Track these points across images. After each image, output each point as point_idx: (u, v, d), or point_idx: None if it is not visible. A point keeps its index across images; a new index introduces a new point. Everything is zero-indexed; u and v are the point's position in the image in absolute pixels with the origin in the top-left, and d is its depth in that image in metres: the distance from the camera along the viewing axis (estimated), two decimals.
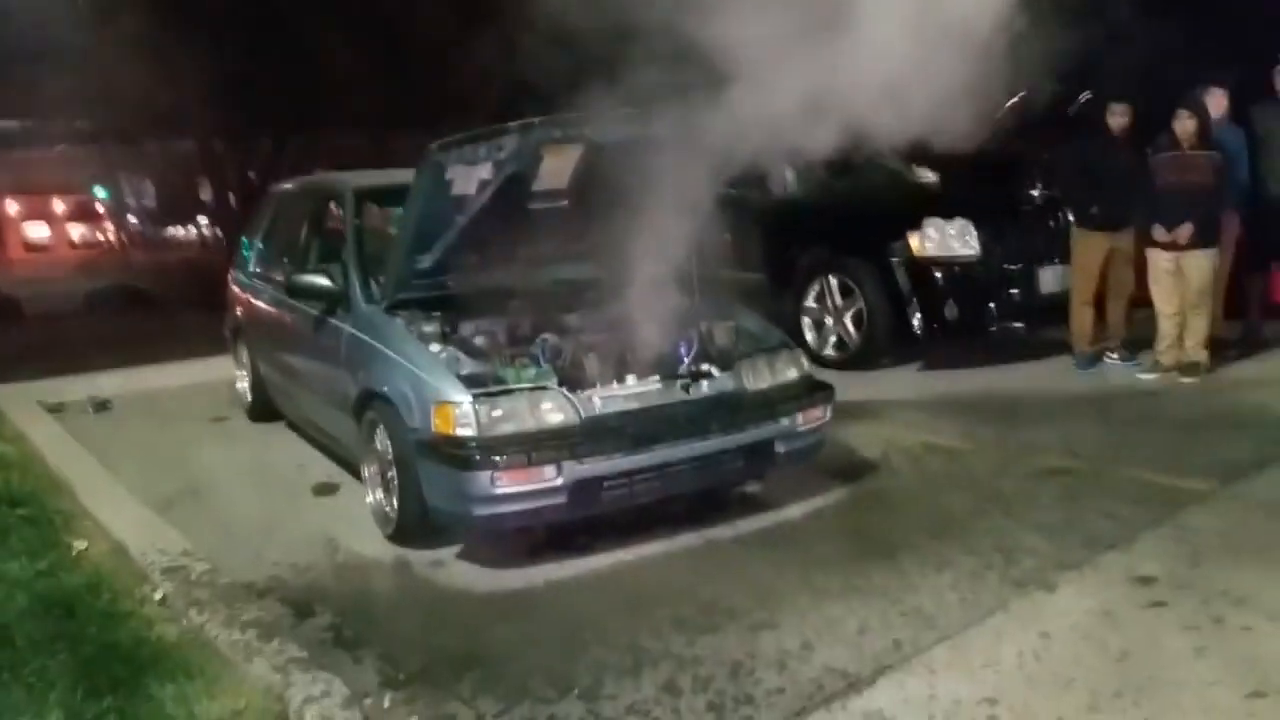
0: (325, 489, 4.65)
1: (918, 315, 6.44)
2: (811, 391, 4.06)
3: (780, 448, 3.92)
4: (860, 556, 3.50)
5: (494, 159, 3.80)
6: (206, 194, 21.02)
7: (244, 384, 6.11)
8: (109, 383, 7.00)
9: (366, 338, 4.11)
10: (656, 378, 3.83)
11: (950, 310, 6.40)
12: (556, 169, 4.08)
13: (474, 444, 3.44)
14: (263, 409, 5.84)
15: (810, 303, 6.92)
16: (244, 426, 5.96)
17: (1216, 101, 6.08)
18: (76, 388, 6.86)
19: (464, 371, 3.75)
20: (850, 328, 6.70)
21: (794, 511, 3.99)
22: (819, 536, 3.74)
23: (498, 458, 3.38)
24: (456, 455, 3.44)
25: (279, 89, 15.46)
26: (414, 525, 3.73)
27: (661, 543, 3.72)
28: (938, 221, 6.43)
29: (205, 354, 7.59)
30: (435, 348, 3.89)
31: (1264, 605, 2.91)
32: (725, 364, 3.97)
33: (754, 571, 3.44)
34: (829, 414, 4.10)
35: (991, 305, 6.48)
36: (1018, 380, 6.17)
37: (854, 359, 6.63)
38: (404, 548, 3.79)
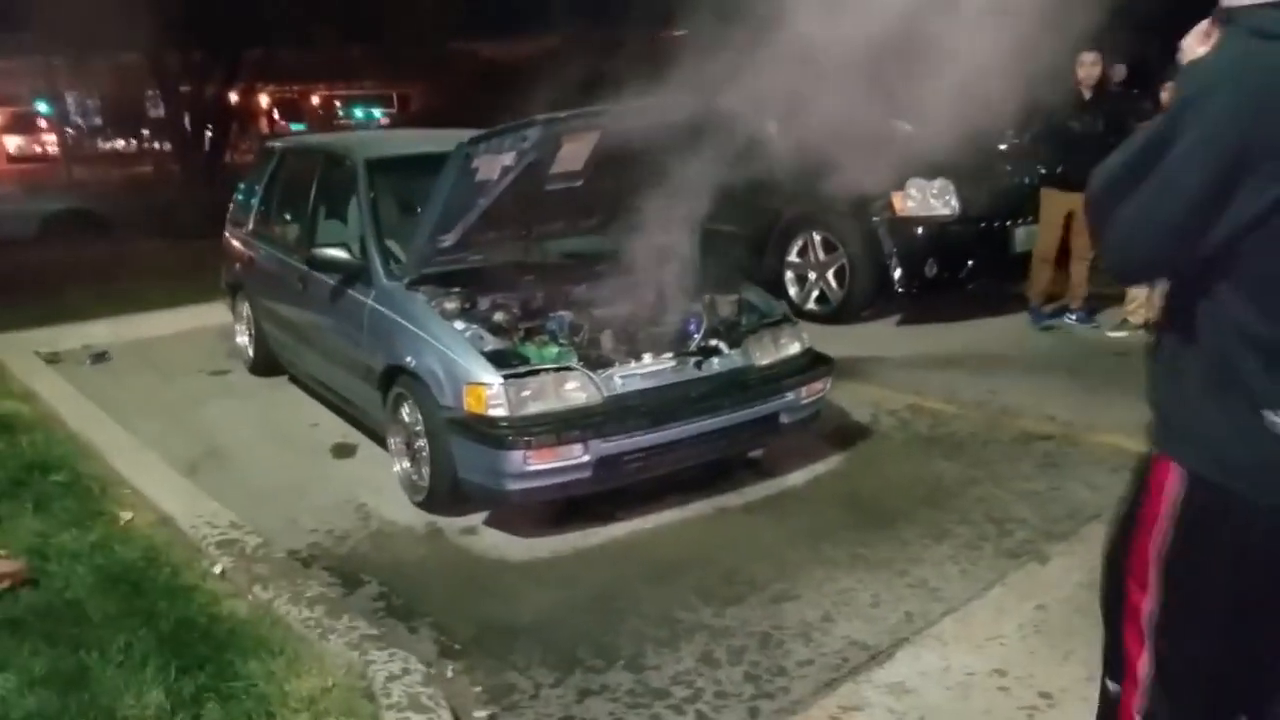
0: (344, 450, 4.85)
1: (898, 271, 6.71)
2: (814, 365, 4.32)
3: (784, 419, 4.19)
4: (863, 526, 3.81)
5: (518, 149, 3.93)
6: (156, 110, 20.51)
7: (244, 338, 6.21)
8: (99, 331, 7.05)
9: (391, 313, 4.26)
10: (670, 355, 4.05)
11: (930, 267, 6.68)
12: (574, 153, 4.22)
13: (506, 424, 3.65)
14: (265, 364, 5.97)
15: (794, 257, 7.16)
16: (246, 381, 6.08)
17: None
18: (68, 336, 6.90)
19: (487, 349, 3.94)
20: (832, 282, 6.96)
21: (796, 478, 4.28)
22: (822, 504, 4.04)
23: (529, 438, 3.60)
24: (490, 434, 3.65)
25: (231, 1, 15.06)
26: (444, 495, 3.95)
27: (676, 510, 4.00)
28: (920, 181, 6.66)
29: (191, 298, 7.65)
30: (460, 325, 4.06)
31: None
32: (733, 340, 4.21)
33: (766, 540, 3.73)
34: (829, 385, 4.37)
35: (969, 262, 6.78)
36: (993, 336, 6.51)
37: (835, 313, 6.91)
38: (434, 515, 4.03)
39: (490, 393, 3.70)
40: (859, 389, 5.29)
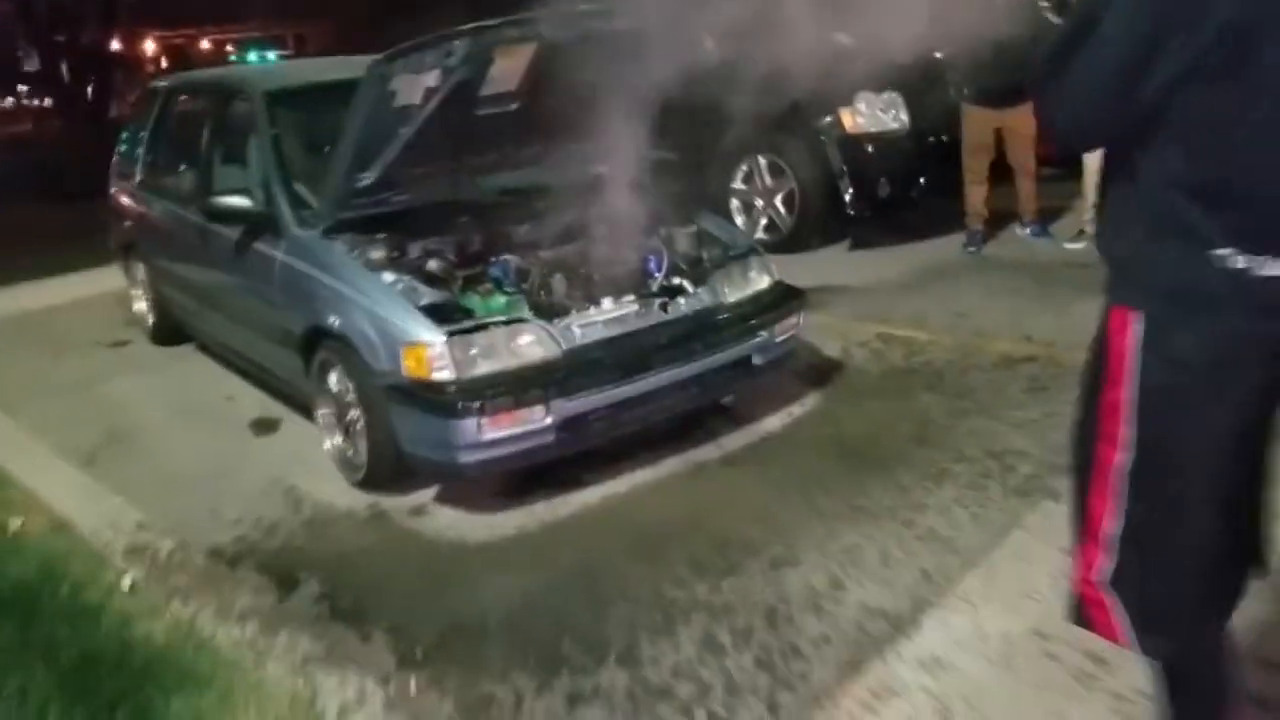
0: (265, 426, 4.33)
1: (850, 192, 6.34)
2: (786, 300, 3.93)
3: (758, 359, 3.80)
4: (854, 471, 3.46)
5: (442, 66, 3.41)
6: (30, 63, 19.02)
7: (143, 304, 5.59)
8: None
9: (306, 267, 3.74)
10: (632, 298, 3.62)
11: (882, 186, 6.32)
12: (507, 71, 3.71)
13: (454, 388, 3.19)
14: (169, 332, 5.38)
15: (739, 184, 6.74)
16: (149, 352, 5.49)
17: None
18: None
19: (424, 302, 3.46)
20: (781, 209, 6.57)
21: (773, 423, 3.92)
22: (806, 451, 3.68)
23: (483, 403, 3.15)
24: (437, 401, 3.19)
25: None
26: (386, 472, 3.49)
27: (648, 469, 3.60)
28: (868, 95, 6.26)
29: (81, 262, 6.95)
30: (388, 277, 3.57)
31: None
32: (698, 277, 3.79)
33: (753, 496, 3.37)
34: (803, 320, 3.99)
35: (921, 180, 6.44)
36: (950, 255, 6.21)
37: (786, 241, 6.52)
38: (375, 494, 3.57)
39: (433, 353, 3.23)
40: (824, 321, 4.91)
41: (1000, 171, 6.26)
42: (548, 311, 3.49)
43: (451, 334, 3.25)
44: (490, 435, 3.18)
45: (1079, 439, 1.71)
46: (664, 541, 3.10)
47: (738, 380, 3.84)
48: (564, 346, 3.37)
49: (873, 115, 6.28)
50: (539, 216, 4.00)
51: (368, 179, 3.74)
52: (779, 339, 3.84)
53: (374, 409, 3.41)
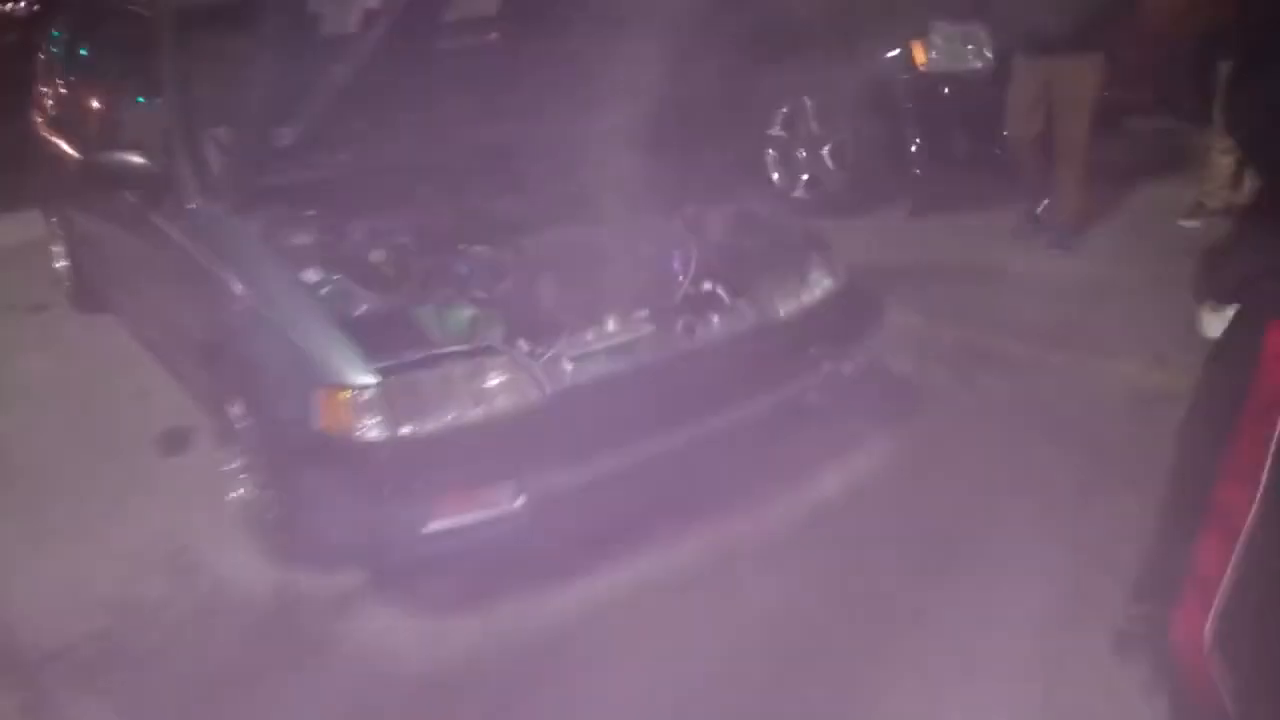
0: (175, 441, 3.38)
1: (916, 144, 5.23)
2: (859, 313, 2.93)
3: (815, 397, 2.82)
4: (941, 572, 2.50)
5: None
6: None
7: (63, 263, 4.63)
8: None
9: (203, 255, 2.75)
10: (646, 314, 2.63)
11: (958, 138, 5.22)
12: None
13: (388, 455, 2.23)
14: (89, 297, 4.42)
15: (777, 130, 5.63)
16: (66, 322, 4.57)
17: None
18: None
19: (359, 311, 2.49)
20: (828, 162, 5.48)
21: (828, 487, 2.90)
22: (873, 536, 2.69)
23: (428, 483, 2.19)
24: (361, 476, 2.23)
25: None
26: (301, 549, 2.56)
27: (659, 557, 2.62)
28: (945, 26, 5.11)
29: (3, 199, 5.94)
30: (312, 276, 2.58)
31: None
32: (739, 282, 2.79)
33: (800, 606, 2.41)
34: (878, 342, 2.99)
35: (1006, 132, 5.31)
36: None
37: (832, 202, 5.45)
38: (292, 569, 2.63)
39: (360, 401, 2.26)
40: (889, 317, 3.90)
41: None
42: (530, 333, 2.50)
43: (387, 374, 2.27)
44: (437, 526, 2.22)
45: (1189, 471, 1.53)
46: (677, 686, 2.15)
47: (787, 429, 2.86)
48: (548, 389, 2.39)
49: (951, 50, 5.12)
50: (524, 187, 3.00)
51: (289, 137, 2.73)
52: (846, 368, 2.85)
53: (281, 471, 2.45)
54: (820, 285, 2.90)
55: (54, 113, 4.47)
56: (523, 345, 2.43)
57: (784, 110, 5.60)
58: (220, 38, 3.24)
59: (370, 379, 2.25)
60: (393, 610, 2.49)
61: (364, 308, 2.55)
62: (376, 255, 2.74)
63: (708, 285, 2.78)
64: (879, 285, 4.02)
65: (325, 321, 2.38)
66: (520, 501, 2.26)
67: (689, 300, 2.70)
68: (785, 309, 2.77)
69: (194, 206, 2.82)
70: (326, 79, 2.60)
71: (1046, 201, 4.95)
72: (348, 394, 2.25)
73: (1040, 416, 3.23)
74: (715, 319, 2.65)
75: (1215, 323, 1.85)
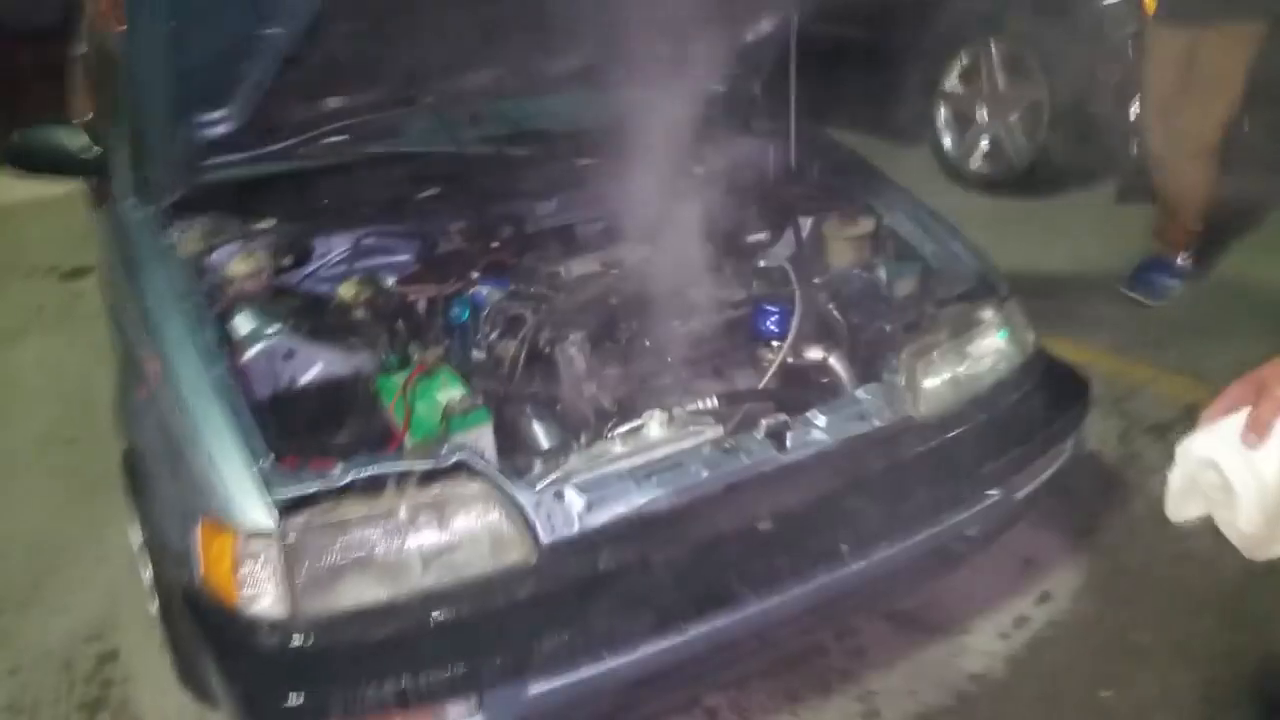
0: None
1: (1135, 108, 4.01)
2: (1053, 403, 1.92)
3: (972, 531, 1.86)
4: None
5: None
6: None
7: None
8: None
9: (119, 279, 2.00)
10: (709, 404, 1.71)
11: None
12: None
13: (277, 645, 1.42)
14: None
15: (952, 84, 4.52)
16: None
17: None
18: None
19: (305, 378, 1.71)
20: (1017, 130, 4.35)
21: (982, 660, 1.97)
22: None
23: (340, 696, 1.38)
24: (239, 671, 1.45)
25: None
26: (203, 696, 1.81)
27: None
28: None
29: None
30: (244, 322, 1.80)
31: None
32: (870, 355, 1.85)
33: None
34: (1074, 449, 1.98)
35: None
36: None
37: (1018, 180, 4.36)
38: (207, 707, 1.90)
39: (245, 552, 1.45)
40: (1082, 359, 2.83)
41: None
42: (528, 436, 1.66)
43: (292, 511, 1.45)
44: None
45: None
46: None
47: (921, 581, 1.92)
48: (543, 539, 1.52)
49: None
50: (556, 191, 2.12)
51: (234, 119, 1.91)
52: (1023, 492, 1.86)
53: (170, 608, 1.70)
54: (998, 356, 1.91)
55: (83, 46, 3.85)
56: (514, 465, 1.58)
57: (962, 59, 4.48)
58: None
59: (264, 519, 1.44)
60: None
61: (312, 373, 1.77)
62: (347, 289, 1.93)
63: (816, 353, 1.85)
64: (1070, 306, 2.99)
65: (228, 410, 1.57)
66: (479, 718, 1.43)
67: (784, 386, 1.78)
68: (937, 397, 1.80)
69: (123, 208, 2.05)
70: (278, 39, 1.76)
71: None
72: (230, 539, 1.46)
73: None
74: (821, 420, 1.70)
75: None
